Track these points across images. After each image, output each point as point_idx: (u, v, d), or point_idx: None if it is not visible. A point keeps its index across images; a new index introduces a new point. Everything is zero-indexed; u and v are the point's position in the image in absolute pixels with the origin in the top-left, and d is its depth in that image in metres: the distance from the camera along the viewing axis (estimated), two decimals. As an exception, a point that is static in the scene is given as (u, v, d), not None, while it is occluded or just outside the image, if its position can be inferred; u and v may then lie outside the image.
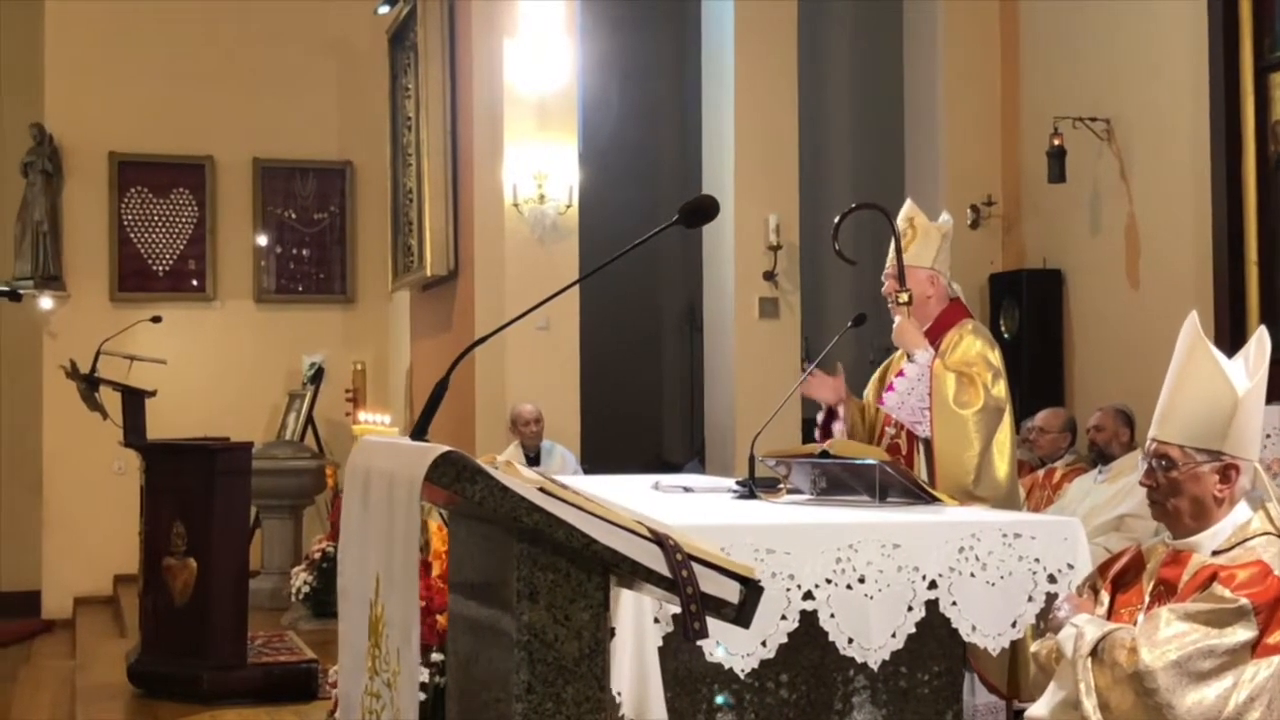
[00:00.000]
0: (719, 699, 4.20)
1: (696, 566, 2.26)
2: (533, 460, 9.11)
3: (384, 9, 11.25)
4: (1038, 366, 9.71)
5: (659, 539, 2.27)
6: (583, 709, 2.31)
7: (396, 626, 2.43)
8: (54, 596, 11.55)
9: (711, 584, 2.26)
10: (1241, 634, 3.18)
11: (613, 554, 2.25)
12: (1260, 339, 3.52)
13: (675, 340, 14.81)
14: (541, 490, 2.26)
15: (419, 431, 2.58)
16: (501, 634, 2.38)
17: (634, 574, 2.28)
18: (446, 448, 2.28)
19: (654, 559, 2.26)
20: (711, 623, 2.33)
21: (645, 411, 14.63)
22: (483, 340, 2.78)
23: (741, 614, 2.28)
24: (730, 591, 2.27)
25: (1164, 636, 3.21)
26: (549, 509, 2.23)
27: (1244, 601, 3.19)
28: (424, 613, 5.15)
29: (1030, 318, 9.79)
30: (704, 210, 2.96)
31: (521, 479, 2.30)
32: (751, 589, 2.29)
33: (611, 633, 2.53)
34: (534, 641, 2.30)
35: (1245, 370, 3.47)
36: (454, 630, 2.78)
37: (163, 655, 7.22)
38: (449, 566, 2.95)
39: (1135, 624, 3.40)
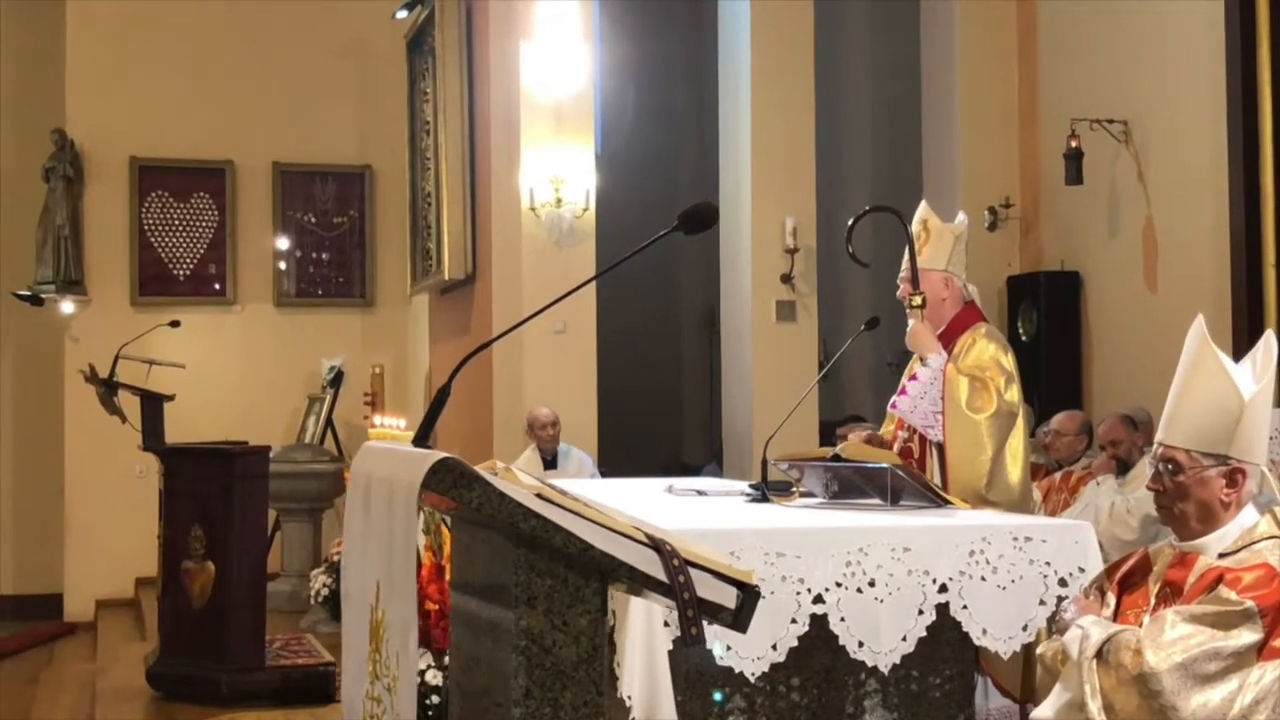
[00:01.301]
0: (716, 695, 4.20)
1: (694, 572, 2.27)
2: (550, 463, 9.13)
3: (402, 14, 11.28)
4: (1055, 369, 9.70)
5: (656, 544, 2.28)
6: (580, 713, 2.32)
7: (396, 631, 2.45)
8: (76, 599, 11.61)
9: (709, 589, 2.27)
10: (1247, 636, 3.18)
11: (610, 560, 2.26)
12: (1268, 343, 3.51)
13: (695, 343, 14.83)
14: (539, 496, 2.27)
15: (420, 437, 2.59)
16: (501, 638, 2.40)
17: (631, 579, 2.29)
18: (444, 454, 2.29)
19: (651, 564, 2.27)
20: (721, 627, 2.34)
21: (665, 414, 14.66)
22: (484, 347, 2.80)
23: (738, 619, 2.29)
24: (727, 597, 2.28)
25: (1169, 639, 3.20)
26: (546, 515, 2.24)
27: (1250, 604, 3.18)
28: (437, 616, 5.17)
29: (1048, 320, 9.78)
30: (702, 217, 2.95)
31: (519, 485, 2.31)
32: (748, 594, 2.30)
33: (609, 636, 2.53)
34: (532, 646, 2.32)
35: (1252, 374, 3.46)
36: (456, 634, 2.80)
37: (181, 658, 7.25)
38: (452, 571, 2.96)
39: (1141, 626, 3.40)
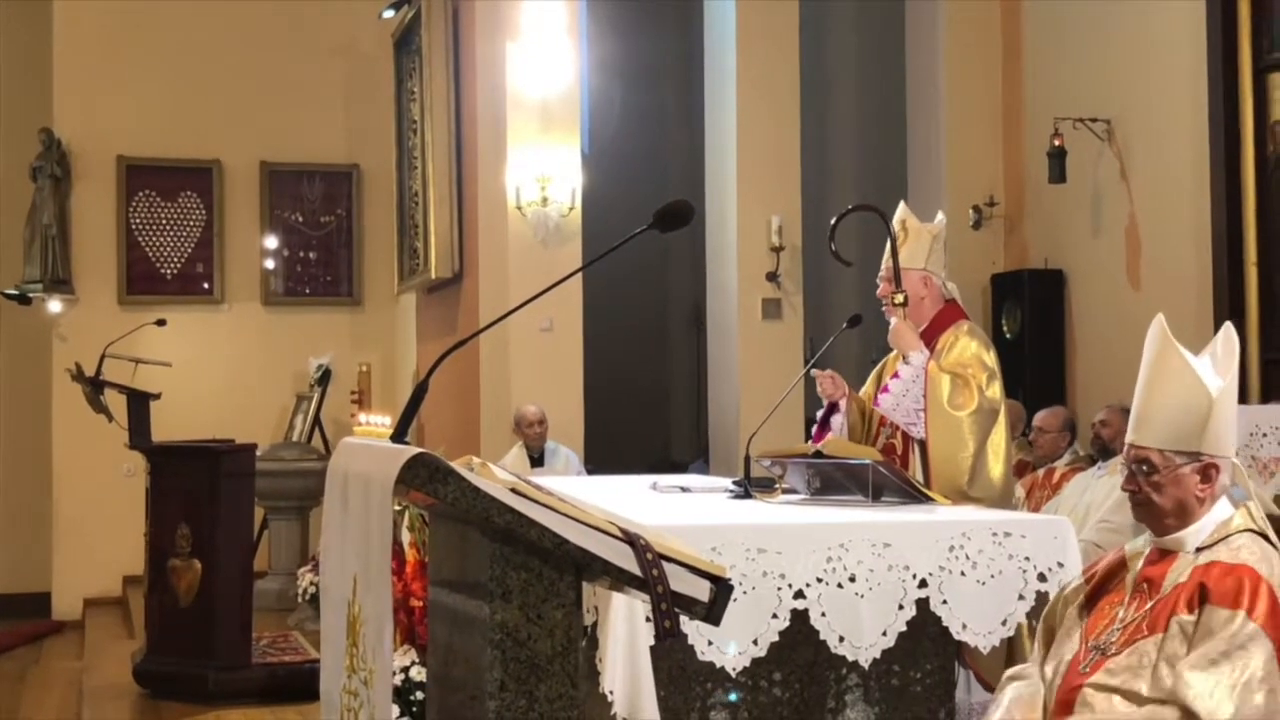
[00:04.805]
0: (732, 696, 4.25)
1: (667, 565, 2.30)
2: (537, 461, 9.15)
3: (389, 13, 11.30)
4: (1039, 366, 9.74)
5: (630, 538, 2.31)
6: (555, 706, 2.35)
7: (372, 626, 2.47)
8: (64, 598, 11.62)
9: (682, 583, 2.30)
10: (1264, 650, 3.14)
11: (584, 554, 2.28)
12: (1227, 335, 3.52)
13: (683, 340, 14.86)
14: (514, 491, 2.29)
15: (398, 434, 2.62)
16: (477, 632, 2.42)
17: (605, 573, 2.32)
18: (419, 449, 2.32)
19: (625, 558, 2.30)
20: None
21: (652, 412, 14.68)
22: (461, 345, 2.82)
23: (712, 612, 2.32)
24: (701, 590, 2.31)
25: (1208, 694, 3.13)
26: (520, 509, 2.27)
27: (1252, 626, 3.16)
28: (422, 613, 5.19)
29: (1032, 318, 9.82)
30: (678, 214, 2.97)
31: (495, 480, 2.34)
32: (722, 588, 2.33)
33: (584, 631, 2.56)
34: (507, 640, 2.34)
35: (1214, 368, 3.48)
36: (434, 628, 2.82)
37: (168, 656, 7.28)
38: (429, 566, 2.99)
39: (1116, 620, 3.40)
